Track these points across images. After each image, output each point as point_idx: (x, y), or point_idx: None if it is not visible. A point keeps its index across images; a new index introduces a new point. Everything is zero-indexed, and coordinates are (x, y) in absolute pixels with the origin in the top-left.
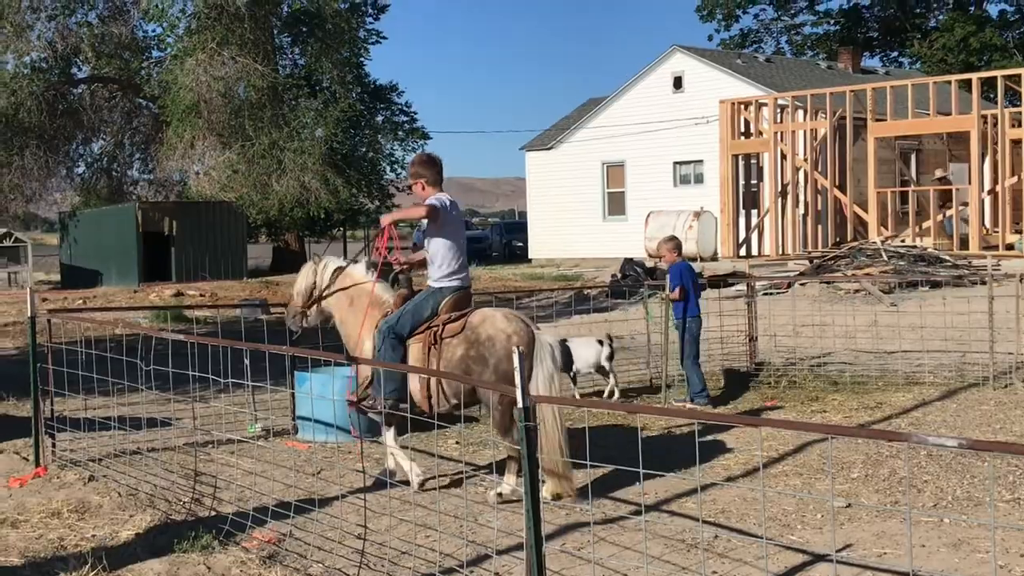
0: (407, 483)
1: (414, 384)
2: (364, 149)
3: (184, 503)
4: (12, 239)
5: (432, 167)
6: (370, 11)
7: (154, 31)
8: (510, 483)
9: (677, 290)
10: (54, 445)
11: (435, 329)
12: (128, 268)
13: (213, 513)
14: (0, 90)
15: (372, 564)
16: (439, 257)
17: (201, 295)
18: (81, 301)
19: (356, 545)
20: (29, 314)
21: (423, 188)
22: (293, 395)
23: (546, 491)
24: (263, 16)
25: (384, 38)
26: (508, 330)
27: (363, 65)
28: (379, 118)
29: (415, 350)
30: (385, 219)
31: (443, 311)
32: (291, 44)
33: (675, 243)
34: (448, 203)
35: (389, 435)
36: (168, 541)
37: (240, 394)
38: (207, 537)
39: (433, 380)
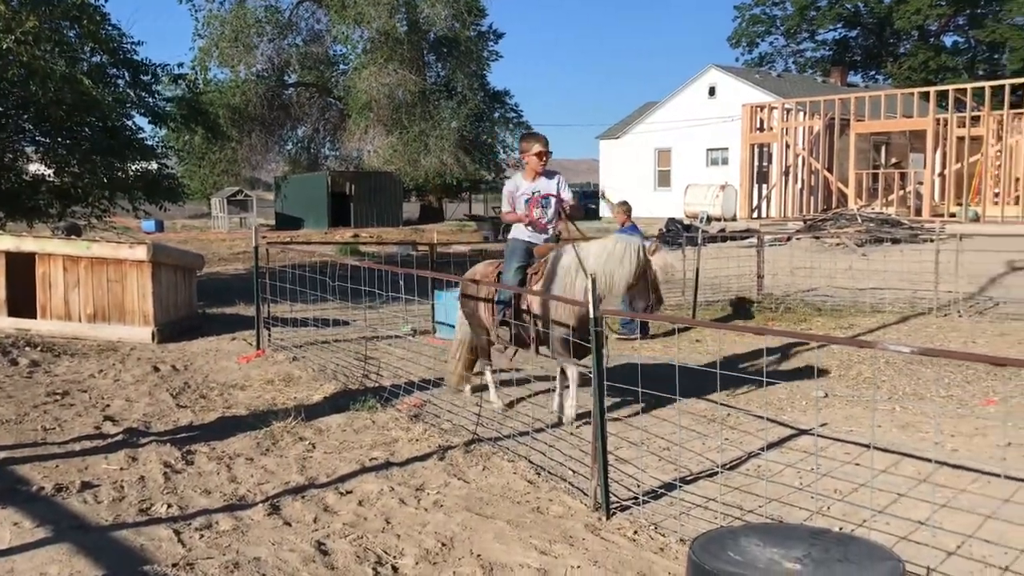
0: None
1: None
2: (485, 137)
3: (357, 378)
4: (242, 194)
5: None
6: (492, 38)
7: (341, 51)
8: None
9: None
10: (269, 335)
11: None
12: (320, 217)
13: (376, 385)
14: (235, 91)
15: (485, 424)
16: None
17: (370, 236)
18: (288, 238)
19: (474, 411)
20: (254, 245)
21: (547, 162)
22: (432, 306)
23: None
24: (416, 40)
25: (501, 56)
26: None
27: (486, 76)
28: (496, 114)
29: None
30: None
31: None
32: (435, 61)
33: (627, 207)
34: None
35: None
36: (346, 403)
37: (396, 305)
38: (372, 401)
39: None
